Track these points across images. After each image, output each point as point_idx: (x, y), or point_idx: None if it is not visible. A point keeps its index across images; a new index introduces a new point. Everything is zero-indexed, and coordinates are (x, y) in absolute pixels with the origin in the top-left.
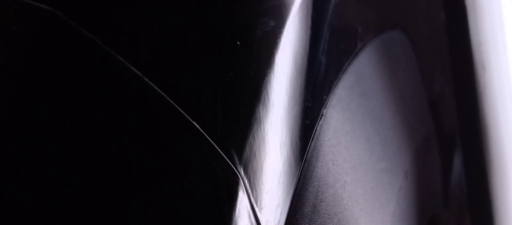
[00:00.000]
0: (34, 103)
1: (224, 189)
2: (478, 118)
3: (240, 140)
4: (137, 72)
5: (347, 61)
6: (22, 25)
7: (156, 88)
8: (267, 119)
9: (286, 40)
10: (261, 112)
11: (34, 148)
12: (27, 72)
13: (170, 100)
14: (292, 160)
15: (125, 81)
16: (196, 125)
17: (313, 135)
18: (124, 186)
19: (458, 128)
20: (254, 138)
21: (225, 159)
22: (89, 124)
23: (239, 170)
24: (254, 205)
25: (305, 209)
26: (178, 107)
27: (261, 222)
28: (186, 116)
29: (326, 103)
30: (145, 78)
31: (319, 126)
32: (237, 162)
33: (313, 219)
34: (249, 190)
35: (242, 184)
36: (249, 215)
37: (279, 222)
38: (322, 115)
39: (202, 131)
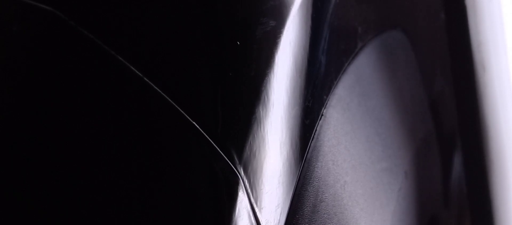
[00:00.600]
0: (34, 103)
1: (224, 189)
2: (478, 118)
3: (240, 140)
4: (137, 72)
5: (347, 61)
6: (22, 25)
7: (156, 88)
8: (267, 119)
9: (286, 40)
10: (261, 112)
11: (34, 148)
12: (27, 72)
13: (170, 100)
14: (292, 160)
15: (125, 81)
16: (196, 125)
17: (313, 135)
18: (124, 186)
19: (458, 128)
20: (254, 138)
21: (225, 159)
22: (89, 124)
23: (239, 170)
24: (254, 205)
25: (305, 209)
26: (178, 108)
27: (261, 222)
28: (186, 116)
29: (326, 103)
30: (145, 78)
31: (319, 126)
32: (237, 162)
33: (313, 219)
34: (249, 190)
35: (242, 184)
36: (249, 215)
37: (279, 222)
38: (322, 115)
39: (202, 131)
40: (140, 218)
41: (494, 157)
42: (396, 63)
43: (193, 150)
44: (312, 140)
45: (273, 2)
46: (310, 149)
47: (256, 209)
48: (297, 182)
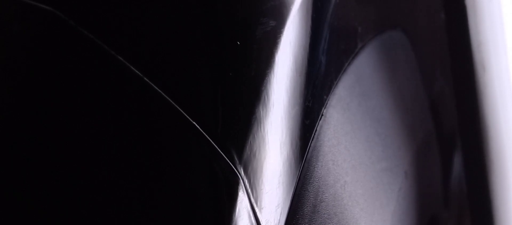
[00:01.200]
0: (34, 103)
1: (224, 189)
2: (478, 118)
3: (240, 140)
4: (137, 72)
5: (347, 61)
6: (22, 25)
7: (156, 88)
8: (267, 119)
9: (286, 40)
10: (261, 112)
11: (34, 148)
12: (27, 72)
13: (170, 100)
14: (292, 160)
15: (125, 81)
16: (196, 125)
17: (313, 135)
18: (124, 186)
19: (458, 128)
20: (254, 138)
21: (225, 159)
22: (89, 124)
23: (239, 170)
24: (254, 205)
25: (305, 209)
26: (178, 107)
27: (261, 222)
28: (186, 116)
29: (326, 103)
30: (145, 78)
31: (319, 126)
32: (237, 162)
33: (313, 219)
34: (249, 190)
35: (242, 184)
36: (249, 215)
37: (279, 222)
38: (322, 115)
39: (202, 131)
40: (140, 218)
41: (494, 157)
42: (396, 63)
43: (193, 150)
44: (312, 140)
45: (273, 2)
46: (310, 149)
47: (256, 209)
48: (297, 182)
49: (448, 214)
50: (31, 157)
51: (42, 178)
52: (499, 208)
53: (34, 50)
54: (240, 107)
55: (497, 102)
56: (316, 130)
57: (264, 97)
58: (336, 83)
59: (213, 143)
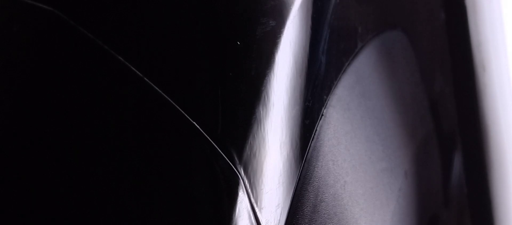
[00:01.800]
0: (34, 103)
1: (224, 189)
2: (478, 118)
3: (240, 140)
4: (137, 72)
5: (347, 61)
6: (22, 25)
7: (156, 88)
8: (267, 119)
9: (286, 40)
10: (261, 112)
11: (34, 148)
12: (27, 72)
13: (170, 100)
14: (292, 160)
15: (125, 81)
16: (196, 125)
17: (313, 135)
18: (124, 186)
19: (458, 128)
20: (254, 138)
21: (225, 159)
22: (89, 123)
23: (239, 170)
24: (254, 205)
25: (305, 209)
26: (178, 107)
27: (261, 222)
28: (186, 116)
29: (326, 103)
30: (145, 78)
31: (319, 126)
32: (237, 162)
33: (313, 219)
34: (249, 190)
35: (242, 184)
36: (249, 215)
37: (279, 222)
38: (322, 115)
39: (202, 131)
40: (140, 218)
41: (494, 157)
42: (396, 63)
43: (193, 150)
44: (312, 140)
45: (273, 2)
46: (310, 149)
47: (256, 209)
48: (297, 182)
49: (448, 214)
50: (31, 157)
51: (42, 178)
52: (499, 208)
53: (34, 50)
54: (240, 107)
55: (497, 102)
56: (316, 130)
57: (264, 97)
58: (336, 83)
59: (213, 143)
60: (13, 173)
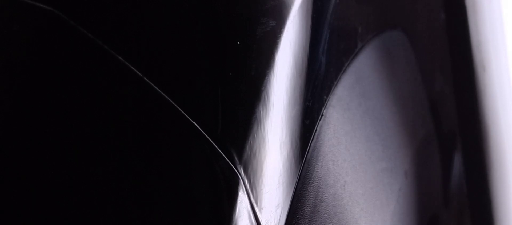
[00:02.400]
0: (34, 103)
1: (224, 189)
2: (478, 118)
3: (240, 140)
4: (137, 72)
5: (347, 61)
6: (22, 25)
7: (156, 88)
8: (267, 119)
9: (286, 40)
10: (261, 112)
11: (34, 148)
12: (27, 72)
13: (170, 100)
14: (292, 160)
15: (125, 81)
16: (196, 125)
17: (313, 135)
18: (124, 186)
19: (458, 128)
20: (254, 138)
21: (225, 159)
22: (89, 123)
23: (239, 170)
24: (254, 205)
25: (305, 209)
26: (178, 108)
27: (261, 222)
28: (186, 116)
29: (326, 103)
30: (145, 78)
31: (319, 126)
32: (237, 162)
33: (313, 219)
34: (249, 190)
35: (242, 184)
36: (249, 215)
37: (279, 222)
38: (322, 115)
39: (202, 131)
40: (140, 218)
41: (494, 157)
42: (396, 63)
43: (193, 150)
44: (312, 140)
45: (273, 2)
46: (310, 149)
47: (256, 209)
48: (297, 182)
49: (448, 214)
50: (31, 157)
51: (41, 178)
52: (499, 208)
53: (34, 50)
54: (240, 107)
55: (497, 102)
56: (316, 130)
57: (264, 97)
58: (336, 83)
59: (213, 143)
60: (13, 173)
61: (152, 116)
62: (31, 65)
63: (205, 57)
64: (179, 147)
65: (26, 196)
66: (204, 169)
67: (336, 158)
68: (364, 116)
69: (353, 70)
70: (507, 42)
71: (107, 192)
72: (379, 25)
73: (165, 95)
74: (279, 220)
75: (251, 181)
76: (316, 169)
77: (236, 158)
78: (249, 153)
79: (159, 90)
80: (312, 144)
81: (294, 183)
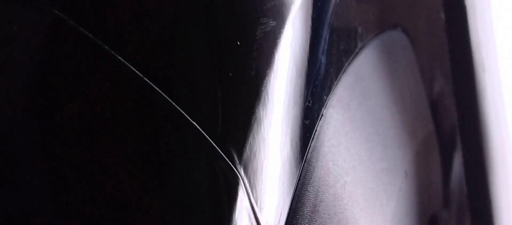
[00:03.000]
0: (34, 103)
1: (224, 189)
2: (478, 118)
3: (240, 140)
4: (137, 72)
5: (347, 61)
6: (22, 25)
7: (156, 88)
8: (267, 119)
9: (286, 40)
10: (261, 112)
11: (34, 148)
12: (27, 72)
13: (170, 100)
14: (292, 160)
15: (125, 81)
16: (196, 125)
17: (313, 135)
18: (124, 186)
19: (458, 128)
20: (254, 138)
21: (225, 159)
22: (89, 123)
23: (239, 170)
24: (254, 205)
25: (305, 209)
26: (178, 108)
27: (261, 222)
28: (186, 116)
29: (326, 103)
30: (145, 78)
31: (319, 126)
32: (237, 162)
33: (313, 219)
34: (249, 190)
35: (242, 184)
36: (249, 215)
37: (279, 222)
38: (322, 115)
39: (202, 131)
40: (140, 218)
41: (495, 157)
42: (396, 63)
43: (193, 150)
44: (312, 140)
45: (273, 2)
46: (310, 149)
47: (256, 209)
48: (297, 182)
49: (448, 214)
50: (31, 157)
51: (41, 178)
52: (499, 208)
53: (34, 50)
54: (240, 107)
55: (497, 102)
56: (316, 130)
57: (264, 97)
58: (336, 83)
59: (213, 143)
60: (13, 173)
61: (152, 115)
62: (31, 66)
63: (205, 57)
64: (179, 147)
65: (26, 196)
66: (204, 169)
67: (336, 158)
68: (364, 116)
69: (353, 70)
70: (507, 42)
71: (107, 191)
72: (379, 25)
73: (165, 96)
74: (279, 220)
75: (251, 181)
76: (316, 169)
77: (236, 158)
78: (249, 153)
79: (159, 90)
80: (312, 144)
81: (294, 183)
